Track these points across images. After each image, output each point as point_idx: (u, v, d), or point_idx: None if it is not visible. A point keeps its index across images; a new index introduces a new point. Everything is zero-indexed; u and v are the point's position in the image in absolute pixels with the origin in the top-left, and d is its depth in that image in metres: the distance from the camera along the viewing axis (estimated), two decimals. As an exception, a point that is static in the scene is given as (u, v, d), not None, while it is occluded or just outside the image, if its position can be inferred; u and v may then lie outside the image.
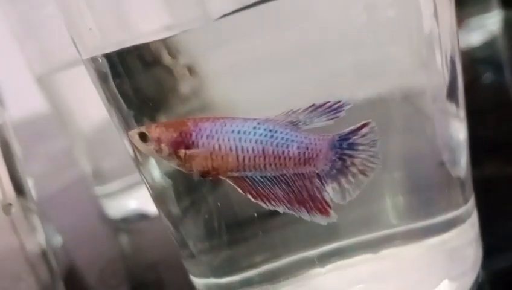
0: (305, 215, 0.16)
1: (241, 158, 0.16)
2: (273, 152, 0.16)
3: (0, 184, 0.22)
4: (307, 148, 0.16)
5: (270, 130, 0.16)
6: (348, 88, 0.16)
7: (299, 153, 0.16)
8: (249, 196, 0.16)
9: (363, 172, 0.16)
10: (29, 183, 0.40)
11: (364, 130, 0.16)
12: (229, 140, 0.16)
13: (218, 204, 0.17)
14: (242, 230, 0.18)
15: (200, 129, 0.16)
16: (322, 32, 0.16)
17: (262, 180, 0.16)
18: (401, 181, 0.17)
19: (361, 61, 0.16)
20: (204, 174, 0.16)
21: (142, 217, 0.36)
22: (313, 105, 0.15)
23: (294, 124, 0.16)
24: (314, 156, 0.16)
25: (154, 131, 0.16)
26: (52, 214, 0.42)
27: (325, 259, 0.17)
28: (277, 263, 0.18)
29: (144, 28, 0.17)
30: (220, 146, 0.16)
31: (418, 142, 0.18)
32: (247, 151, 0.16)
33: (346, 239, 0.17)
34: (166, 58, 0.17)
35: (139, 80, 0.17)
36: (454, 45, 0.18)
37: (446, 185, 0.18)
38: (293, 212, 0.16)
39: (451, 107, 0.18)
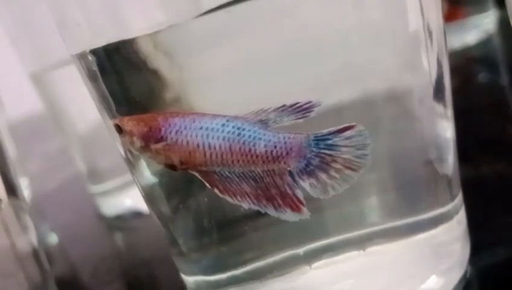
0: (271, 212, 0.16)
1: (208, 154, 0.16)
2: (240, 149, 0.16)
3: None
4: (275, 147, 0.16)
5: (238, 128, 0.16)
6: (334, 89, 0.16)
7: (266, 151, 0.16)
8: (216, 191, 0.16)
9: (349, 167, 0.16)
10: (25, 182, 0.40)
11: (348, 133, 0.16)
12: (196, 136, 0.16)
13: (207, 202, 0.18)
14: (231, 228, 0.18)
15: (169, 124, 0.16)
16: (308, 33, 0.16)
17: (230, 175, 0.16)
18: (388, 179, 0.18)
19: (347, 62, 0.16)
20: (173, 167, 0.16)
21: (137, 215, 0.36)
22: (283, 105, 0.16)
23: (264, 122, 0.16)
24: (284, 154, 0.16)
25: (126, 124, 0.17)
26: (48, 213, 0.42)
27: (313, 256, 0.17)
28: (265, 260, 0.18)
29: (134, 24, 0.17)
30: (188, 142, 0.16)
31: (405, 141, 0.18)
32: (215, 147, 0.16)
33: (334, 236, 0.17)
34: (155, 56, 0.17)
35: (127, 77, 0.17)
36: (441, 45, 0.18)
37: (433, 182, 0.18)
38: (259, 208, 0.16)
39: (438, 106, 0.18)
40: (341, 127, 0.16)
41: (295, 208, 0.16)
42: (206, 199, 0.17)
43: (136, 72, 0.17)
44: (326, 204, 0.17)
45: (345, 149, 0.16)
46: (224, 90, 0.17)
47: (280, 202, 0.16)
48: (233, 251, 0.18)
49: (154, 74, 0.17)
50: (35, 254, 0.24)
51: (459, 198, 0.19)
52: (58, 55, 0.33)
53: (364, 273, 0.18)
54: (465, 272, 0.19)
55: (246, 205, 0.16)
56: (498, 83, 0.41)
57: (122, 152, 0.19)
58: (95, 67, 0.18)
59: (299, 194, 0.16)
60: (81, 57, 0.18)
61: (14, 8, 0.35)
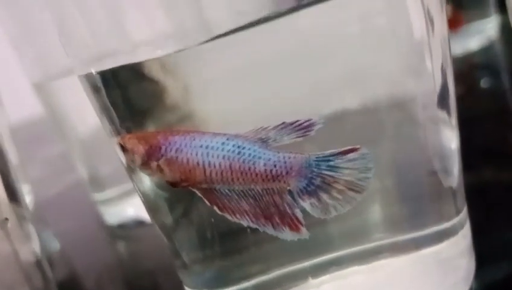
0: (270, 231, 0.16)
1: (208, 172, 0.16)
2: (239, 168, 0.16)
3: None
4: (275, 166, 0.16)
5: (239, 146, 0.16)
6: (338, 95, 0.16)
7: (266, 169, 0.16)
8: (216, 208, 0.16)
9: (353, 189, 0.16)
10: (27, 189, 0.40)
11: (351, 155, 0.16)
12: (197, 154, 0.16)
13: (210, 214, 0.17)
14: (235, 241, 0.18)
15: (169, 143, 0.16)
16: (313, 40, 0.16)
17: (229, 193, 0.16)
18: (392, 191, 0.18)
19: (351, 69, 0.16)
20: (174, 185, 0.17)
21: (140, 223, 0.36)
22: (283, 123, 0.16)
23: (264, 141, 0.16)
24: (284, 173, 0.16)
25: (128, 142, 0.17)
26: (50, 220, 0.42)
27: (317, 271, 0.17)
28: (269, 274, 0.18)
29: (138, 39, 0.17)
30: (188, 160, 0.16)
31: (409, 150, 0.18)
32: (215, 166, 0.16)
33: (338, 251, 0.17)
34: (160, 74, 0.17)
35: (132, 94, 0.17)
36: (445, 52, 0.18)
37: (438, 195, 0.18)
38: (258, 227, 0.16)
39: (443, 114, 0.18)
40: (344, 149, 0.16)
41: (294, 227, 0.16)
42: (209, 211, 0.17)
43: (141, 91, 0.17)
44: (330, 219, 0.17)
45: (347, 171, 0.16)
46: (227, 103, 0.17)
47: (279, 221, 0.16)
48: (237, 265, 0.18)
49: (159, 92, 0.17)
50: (38, 262, 0.24)
51: (464, 212, 0.19)
52: (61, 63, 0.33)
53: (369, 288, 0.18)
54: (471, 288, 0.19)
55: (245, 222, 0.16)
56: (501, 89, 0.41)
57: (124, 161, 0.19)
58: (99, 84, 0.18)
59: (298, 213, 0.16)
60: (86, 76, 0.18)
61: (16, 16, 0.35)
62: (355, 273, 0.17)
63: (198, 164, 0.16)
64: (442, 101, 0.18)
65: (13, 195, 0.23)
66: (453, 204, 0.19)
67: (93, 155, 0.37)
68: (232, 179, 0.16)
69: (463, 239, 0.19)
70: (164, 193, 0.18)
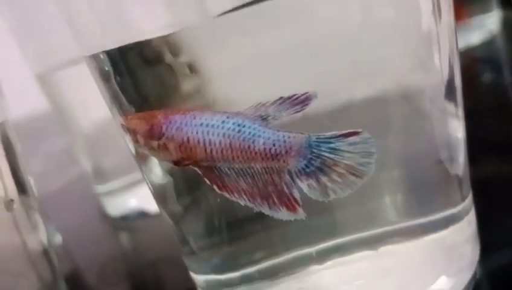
0: (265, 210, 0.16)
1: (208, 150, 0.16)
2: (239, 146, 0.16)
3: (2, 181, 0.22)
4: (274, 145, 0.16)
5: (239, 125, 0.16)
6: (346, 87, 0.16)
7: (265, 148, 0.16)
8: (215, 187, 0.17)
9: (353, 174, 0.16)
10: (30, 181, 0.40)
11: (353, 138, 0.16)
12: (197, 133, 0.16)
13: (219, 201, 0.18)
14: (242, 227, 0.18)
15: (170, 122, 0.16)
16: (319, 31, 0.16)
17: (229, 172, 0.16)
18: (399, 179, 0.18)
19: (359, 61, 0.16)
20: (176, 163, 0.17)
21: (142, 215, 0.36)
22: (281, 98, 0.16)
23: (264, 118, 0.16)
24: (283, 152, 0.16)
25: (130, 122, 0.17)
26: (53, 212, 0.42)
27: (324, 256, 0.17)
28: (277, 259, 0.18)
29: (145, 25, 0.17)
30: (188, 138, 0.16)
31: (416, 141, 0.18)
32: (215, 144, 0.16)
33: (345, 236, 0.17)
34: (167, 56, 0.17)
35: (141, 78, 0.18)
36: (452, 44, 0.18)
37: (444, 183, 0.18)
38: (254, 206, 0.16)
39: (450, 106, 0.18)
40: (346, 131, 0.16)
41: (290, 207, 0.16)
42: (217, 198, 0.18)
43: (148, 71, 0.17)
44: (336, 204, 0.17)
45: (347, 155, 0.16)
46: (234, 89, 0.17)
47: (276, 200, 0.16)
48: (244, 250, 0.18)
49: (167, 72, 0.17)
50: (45, 252, 0.24)
51: (469, 199, 0.19)
52: (64, 55, 0.33)
53: (375, 273, 0.18)
54: (475, 274, 0.19)
55: (243, 202, 0.17)
56: (502, 83, 0.41)
57: (133, 150, 0.19)
58: (107, 67, 0.18)
59: (296, 193, 0.16)
60: (93, 57, 0.18)
61: (19, 8, 0.35)
62: (361, 259, 0.18)
63: (199, 142, 0.16)
64: (450, 92, 0.18)
65: (21, 184, 0.23)
66: (459, 191, 0.19)
67: (97, 146, 0.37)
68: (233, 157, 0.16)
69: (468, 225, 0.19)
70: (173, 179, 0.18)
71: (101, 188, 0.38)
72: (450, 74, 0.18)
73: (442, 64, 0.18)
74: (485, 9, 0.49)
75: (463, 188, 0.19)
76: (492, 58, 0.47)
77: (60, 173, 0.52)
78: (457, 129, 0.19)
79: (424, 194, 0.18)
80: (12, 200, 0.22)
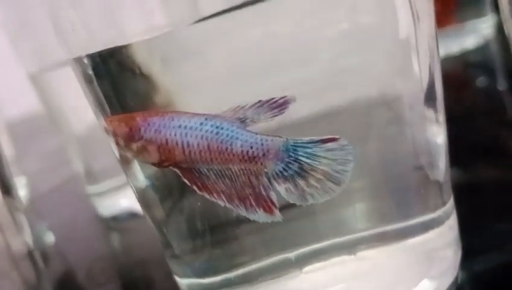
0: (242, 212, 0.17)
1: (187, 152, 0.16)
2: (217, 148, 0.16)
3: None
4: (251, 147, 0.16)
5: (217, 127, 0.16)
6: (325, 93, 0.17)
7: (242, 151, 0.16)
8: (195, 188, 0.17)
9: (330, 180, 0.16)
10: (23, 182, 0.40)
11: (330, 145, 0.16)
12: (175, 135, 0.16)
13: (199, 205, 0.18)
14: (224, 232, 0.18)
15: (148, 124, 0.17)
16: (299, 37, 0.16)
17: (208, 173, 0.16)
18: (378, 184, 0.18)
19: (338, 67, 0.17)
20: (156, 164, 0.17)
21: (133, 215, 0.36)
22: (259, 101, 0.16)
23: (242, 121, 0.16)
24: (261, 155, 0.16)
25: (110, 124, 0.18)
26: (45, 212, 0.43)
27: (304, 260, 0.18)
28: (257, 264, 0.18)
29: (131, 29, 0.17)
30: (167, 140, 0.16)
31: (395, 146, 0.18)
32: (193, 146, 0.16)
33: (324, 241, 0.17)
34: (148, 59, 0.17)
35: (122, 81, 0.18)
36: (433, 51, 0.18)
37: (424, 188, 0.18)
38: (232, 207, 0.17)
39: (429, 112, 0.18)
40: (323, 137, 0.16)
41: (267, 209, 0.16)
42: (199, 203, 0.18)
43: (129, 77, 0.18)
44: (317, 209, 0.17)
45: (324, 161, 0.16)
46: (214, 96, 0.17)
47: (253, 202, 0.16)
48: (226, 254, 0.19)
49: (147, 78, 0.17)
50: (30, 254, 0.24)
51: (451, 203, 0.20)
52: (57, 55, 0.33)
53: (355, 277, 0.18)
54: (456, 277, 0.20)
55: (222, 203, 0.17)
56: (496, 88, 0.41)
57: (117, 154, 0.19)
58: (90, 71, 0.18)
59: (273, 196, 0.16)
60: (77, 60, 0.18)
61: (12, 8, 0.35)
62: (341, 263, 0.18)
63: (177, 144, 0.16)
64: (429, 99, 0.18)
65: (6, 187, 0.23)
66: (439, 196, 0.19)
67: (88, 148, 0.37)
68: (211, 159, 0.16)
69: (449, 230, 0.19)
70: (155, 183, 0.19)
71: (92, 189, 0.38)
72: (430, 80, 0.18)
73: (422, 70, 0.18)
74: (479, 14, 0.49)
75: (443, 193, 0.19)
76: (487, 63, 0.48)
77: (52, 173, 0.52)
78: (437, 135, 0.19)
79: (403, 199, 0.18)
80: None
